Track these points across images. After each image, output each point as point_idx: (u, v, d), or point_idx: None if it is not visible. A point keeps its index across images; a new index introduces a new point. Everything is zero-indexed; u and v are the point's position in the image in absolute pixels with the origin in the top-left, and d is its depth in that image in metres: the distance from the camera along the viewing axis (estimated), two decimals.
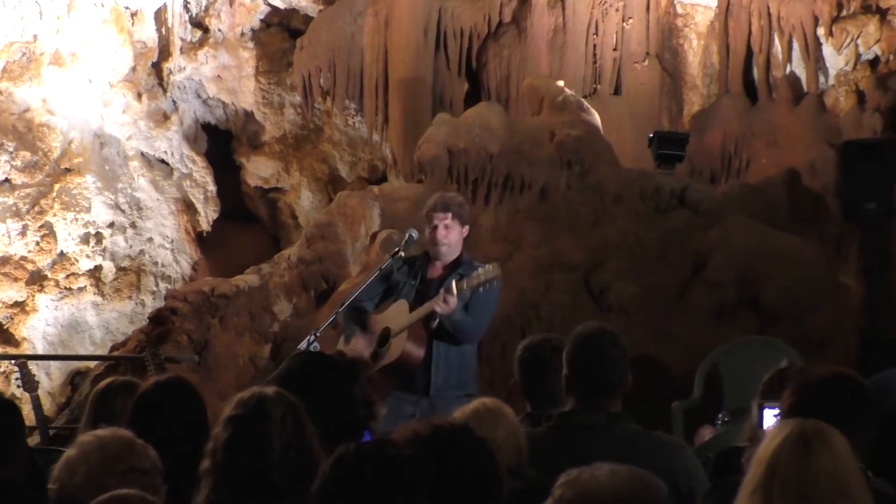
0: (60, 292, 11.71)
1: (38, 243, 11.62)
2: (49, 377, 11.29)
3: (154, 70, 12.67)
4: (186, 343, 8.78)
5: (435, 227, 4.76)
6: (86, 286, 11.84)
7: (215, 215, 12.92)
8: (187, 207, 12.77)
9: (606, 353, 3.10)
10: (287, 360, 3.36)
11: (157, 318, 9.09)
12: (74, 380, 11.20)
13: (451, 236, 4.77)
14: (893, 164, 9.91)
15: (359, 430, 3.11)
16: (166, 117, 12.75)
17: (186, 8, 12.67)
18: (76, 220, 11.79)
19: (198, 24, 12.84)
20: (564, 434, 3.06)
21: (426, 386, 4.69)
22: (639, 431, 3.09)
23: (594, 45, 11.92)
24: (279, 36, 13.04)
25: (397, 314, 4.72)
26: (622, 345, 3.16)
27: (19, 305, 11.48)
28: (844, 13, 11.47)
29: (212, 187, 12.85)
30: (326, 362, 3.31)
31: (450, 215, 4.77)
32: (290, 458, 2.53)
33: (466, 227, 4.86)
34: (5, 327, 11.41)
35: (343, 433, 2.84)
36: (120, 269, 12.09)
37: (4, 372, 10.90)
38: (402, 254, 4.79)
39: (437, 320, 4.58)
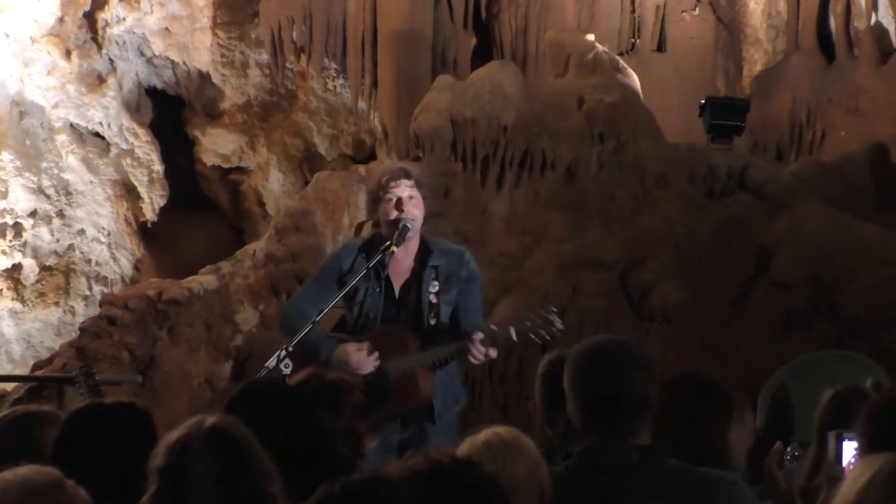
0: None
1: None
2: None
3: (86, 22, 12.66)
4: (127, 360, 8.79)
5: (398, 201, 4.67)
6: (1, 290, 11.84)
7: (162, 201, 12.92)
8: (128, 192, 12.77)
9: (618, 371, 3.08)
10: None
11: (91, 330, 9.10)
12: None
13: (416, 210, 4.70)
14: None
15: (339, 471, 3.10)
16: (101, 80, 12.75)
17: None
18: None
19: None
20: (588, 476, 3.05)
21: (429, 414, 4.68)
22: (680, 468, 3.08)
23: None
24: None
25: (389, 344, 4.64)
26: (637, 357, 3.14)
27: None
28: None
29: (158, 167, 12.85)
30: (283, 388, 3.28)
31: (413, 182, 4.66)
32: None
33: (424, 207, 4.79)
34: None
35: (318, 475, 2.84)
36: (44, 268, 12.09)
37: None
38: (395, 249, 4.73)
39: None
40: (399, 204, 4.66)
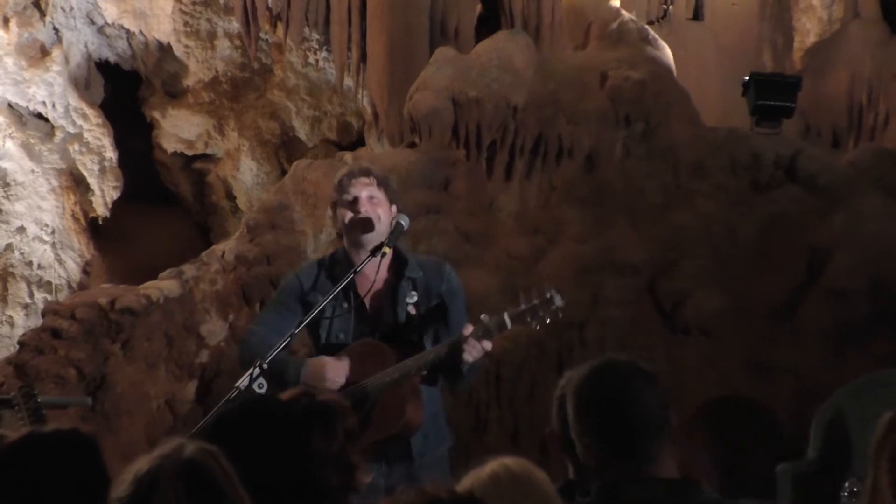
0: None
1: None
2: None
3: None
4: (74, 379, 8.79)
5: (354, 200, 4.79)
6: None
7: (116, 194, 12.92)
8: (76, 183, 12.78)
9: (624, 392, 3.10)
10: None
11: (32, 344, 9.10)
12: None
13: (378, 209, 4.77)
14: None
15: None
16: (45, 52, 12.76)
17: None
18: None
19: None
20: None
21: (405, 451, 4.69)
22: (716, 502, 3.11)
23: None
24: None
25: (366, 359, 4.65)
26: (644, 373, 3.16)
27: None
28: None
29: (111, 154, 12.86)
30: (274, 408, 3.28)
31: (375, 181, 4.74)
32: None
33: (395, 209, 4.81)
34: None
35: None
36: None
37: None
38: (388, 249, 4.76)
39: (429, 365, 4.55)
40: (355, 203, 4.69)
